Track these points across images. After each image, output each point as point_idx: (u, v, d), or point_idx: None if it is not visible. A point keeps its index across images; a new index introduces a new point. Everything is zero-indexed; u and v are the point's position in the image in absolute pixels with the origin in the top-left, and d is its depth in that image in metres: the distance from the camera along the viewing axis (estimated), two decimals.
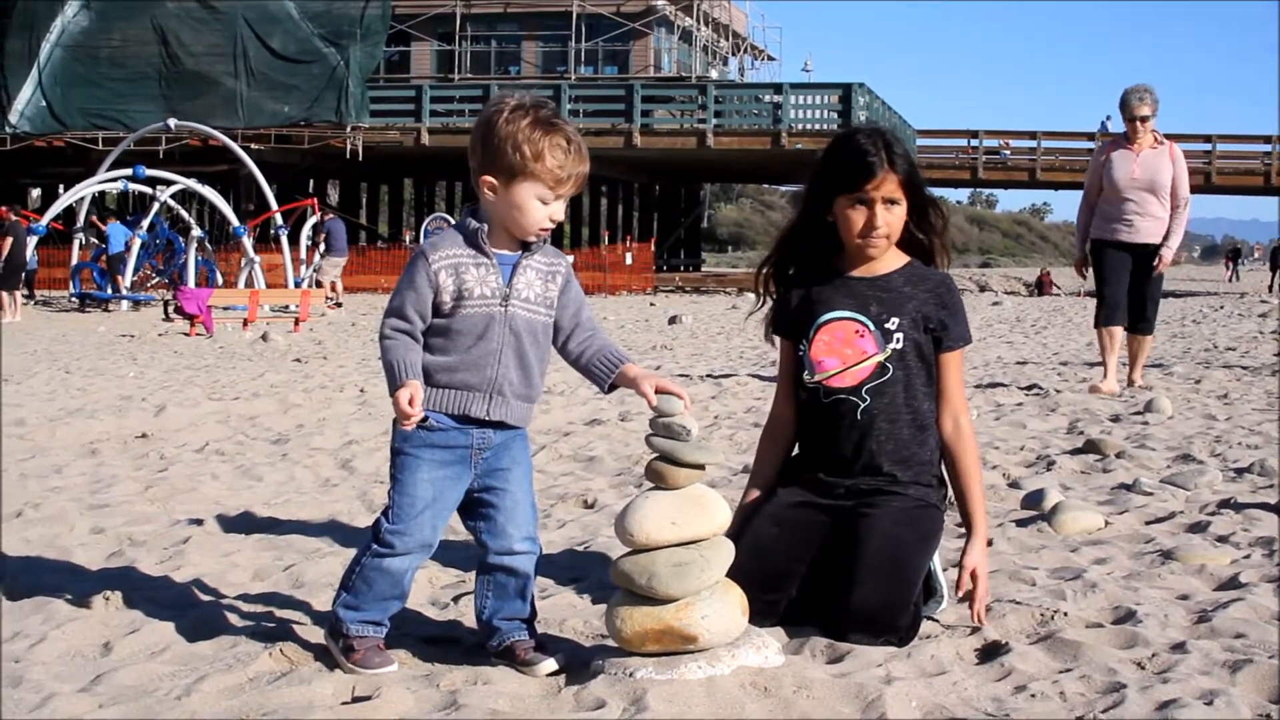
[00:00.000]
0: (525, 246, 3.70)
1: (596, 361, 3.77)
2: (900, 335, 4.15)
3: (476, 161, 3.63)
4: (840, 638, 3.90)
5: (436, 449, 3.69)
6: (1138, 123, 10.53)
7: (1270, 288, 48.44)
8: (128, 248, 28.73)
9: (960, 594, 4.12)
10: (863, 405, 4.12)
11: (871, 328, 4.16)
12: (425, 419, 3.63)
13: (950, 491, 4.27)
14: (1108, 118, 53.54)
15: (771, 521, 4.13)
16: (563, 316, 3.78)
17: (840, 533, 4.06)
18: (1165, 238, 10.60)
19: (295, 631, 4.07)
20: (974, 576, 4.07)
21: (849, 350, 4.16)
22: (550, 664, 3.71)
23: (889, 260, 4.24)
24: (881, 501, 4.09)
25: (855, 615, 3.90)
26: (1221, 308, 28.15)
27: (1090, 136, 50.13)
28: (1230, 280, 65.24)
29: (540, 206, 3.62)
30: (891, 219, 4.14)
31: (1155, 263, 10.57)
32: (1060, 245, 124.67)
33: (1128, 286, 10.63)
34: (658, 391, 3.61)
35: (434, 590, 4.64)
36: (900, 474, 4.13)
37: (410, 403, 3.54)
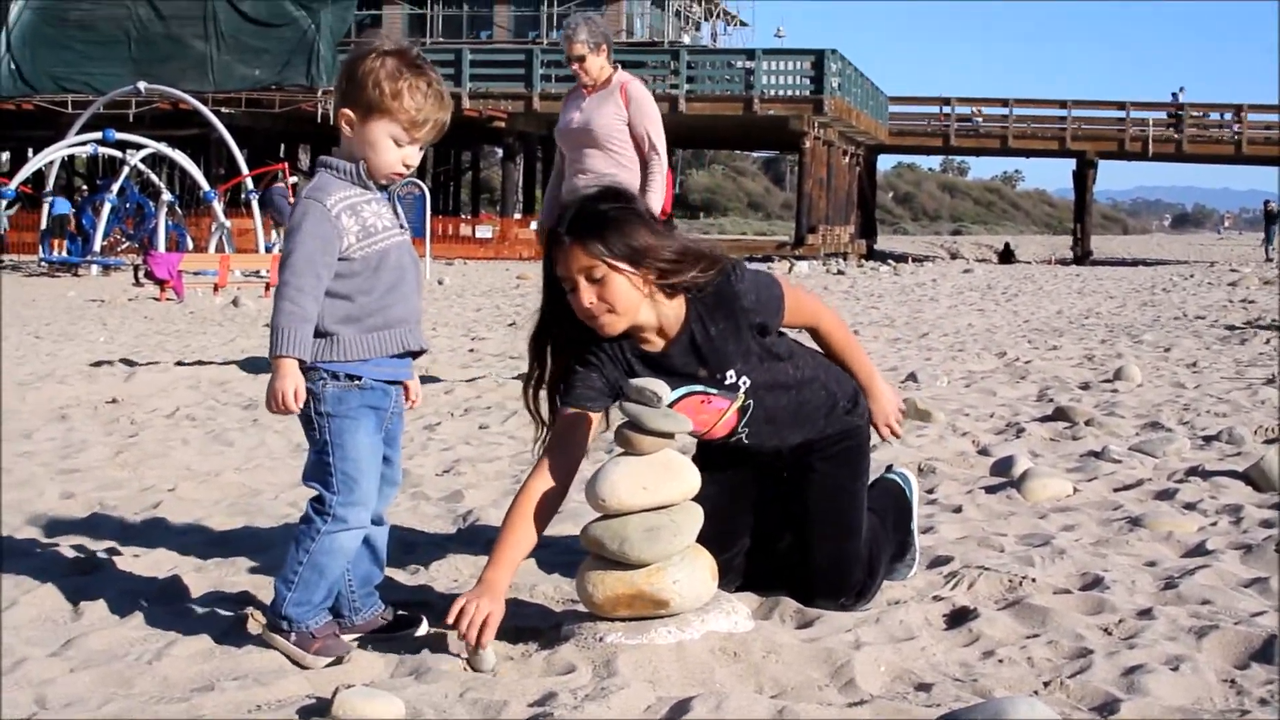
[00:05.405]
0: (382, 188, 3.65)
1: None
2: (744, 378, 3.86)
3: (339, 95, 3.60)
4: (807, 603, 3.96)
5: (369, 410, 3.61)
6: (573, 65, 8.10)
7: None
8: (69, 215, 28.54)
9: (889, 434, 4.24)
10: (745, 435, 3.97)
11: (714, 391, 3.86)
12: (360, 378, 3.55)
13: (864, 401, 4.13)
14: (1180, 89, 53.45)
15: (706, 480, 3.85)
16: None
17: (775, 478, 4.09)
18: (642, 193, 7.82)
19: (265, 596, 4.07)
20: (889, 425, 4.18)
21: (705, 415, 3.91)
22: (424, 625, 3.76)
23: (674, 313, 3.78)
24: (810, 454, 4.04)
25: (812, 582, 3.98)
26: (1191, 276, 28.24)
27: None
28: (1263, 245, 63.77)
29: (394, 148, 3.57)
30: (608, 293, 3.64)
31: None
32: (1032, 213, 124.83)
33: None
34: None
35: (402, 555, 4.64)
36: (812, 434, 4.03)
37: (296, 398, 3.44)
